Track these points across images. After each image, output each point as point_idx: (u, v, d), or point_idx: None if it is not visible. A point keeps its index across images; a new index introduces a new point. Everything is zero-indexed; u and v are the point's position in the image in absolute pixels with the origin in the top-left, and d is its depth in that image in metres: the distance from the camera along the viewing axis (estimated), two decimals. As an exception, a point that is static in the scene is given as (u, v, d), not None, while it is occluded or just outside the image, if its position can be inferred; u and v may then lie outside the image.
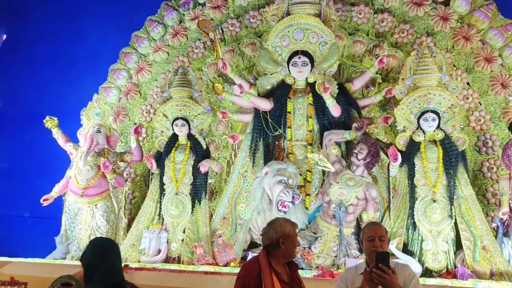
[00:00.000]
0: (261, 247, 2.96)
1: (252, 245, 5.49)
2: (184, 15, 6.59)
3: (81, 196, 5.70)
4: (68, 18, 7.45)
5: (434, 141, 4.99)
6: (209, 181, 5.82)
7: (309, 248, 5.12)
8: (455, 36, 5.76)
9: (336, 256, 5.03)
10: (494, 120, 5.68)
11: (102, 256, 2.41)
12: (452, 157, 4.89)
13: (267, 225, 2.91)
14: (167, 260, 5.41)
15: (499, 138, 5.63)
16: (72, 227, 5.83)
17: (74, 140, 6.06)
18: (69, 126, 6.19)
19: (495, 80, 5.65)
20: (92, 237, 5.58)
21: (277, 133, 5.59)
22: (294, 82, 5.60)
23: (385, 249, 2.67)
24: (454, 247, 4.90)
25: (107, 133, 5.93)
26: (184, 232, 5.49)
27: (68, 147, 5.97)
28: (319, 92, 5.30)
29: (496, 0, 5.74)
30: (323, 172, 5.43)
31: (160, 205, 5.60)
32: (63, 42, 7.51)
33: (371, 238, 2.63)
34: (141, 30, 6.75)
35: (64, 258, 5.70)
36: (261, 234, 2.92)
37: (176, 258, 5.43)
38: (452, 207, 4.86)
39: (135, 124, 6.36)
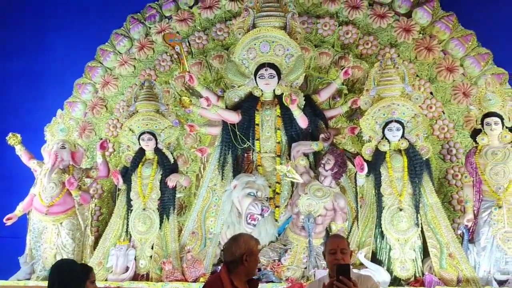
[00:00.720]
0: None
1: (222, 259, 5.43)
2: (150, 28, 6.54)
3: (46, 214, 5.54)
4: (33, 32, 7.30)
5: (399, 151, 5.06)
6: (178, 195, 5.74)
7: (279, 260, 5.09)
8: (417, 47, 5.88)
9: (305, 268, 5.02)
10: (457, 128, 5.81)
11: (56, 277, 2.47)
12: (416, 165, 4.96)
13: (230, 240, 2.85)
14: (135, 277, 5.29)
15: (463, 146, 5.76)
16: (37, 246, 5.66)
17: (38, 157, 5.92)
18: (34, 143, 6.05)
19: (457, 89, 5.79)
20: (58, 256, 5.46)
21: (245, 145, 5.58)
22: (262, 94, 5.61)
23: (347, 261, 2.68)
24: (422, 255, 4.95)
25: (72, 149, 5.80)
26: (152, 248, 5.39)
27: (32, 164, 5.82)
28: (286, 104, 5.33)
29: (456, 11, 5.90)
30: (292, 183, 5.43)
31: (127, 221, 5.50)
32: (28, 56, 7.34)
33: (333, 251, 2.64)
34: (106, 43, 6.66)
35: (29, 279, 5.52)
36: (222, 250, 2.87)
37: (145, 275, 5.32)
38: (418, 215, 4.93)
39: (101, 139, 6.25)
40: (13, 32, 7.47)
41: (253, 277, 2.84)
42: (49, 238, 5.56)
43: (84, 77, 6.68)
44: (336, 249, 2.64)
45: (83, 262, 5.35)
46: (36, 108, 6.93)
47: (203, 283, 4.66)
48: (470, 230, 4.99)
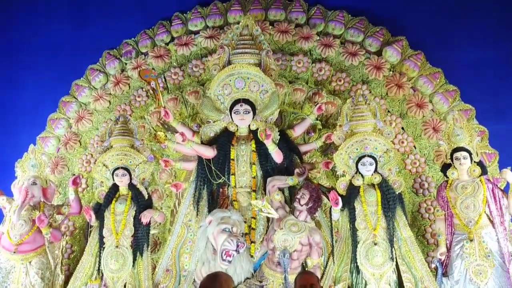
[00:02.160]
0: None
1: (197, 297, 5.32)
2: (126, 64, 6.59)
3: (14, 252, 5.36)
4: (4, 65, 7.23)
5: (373, 185, 5.13)
6: (152, 232, 5.65)
7: (255, 297, 5.03)
8: (388, 84, 6.07)
9: (281, 305, 4.96)
10: (429, 162, 5.94)
11: None
12: (390, 199, 5.03)
13: (208, 279, 2.81)
14: (107, 318, 5.14)
15: (434, 180, 5.88)
16: (3, 286, 5.44)
17: (8, 193, 5.77)
18: (3, 180, 5.92)
19: (427, 124, 5.95)
20: (26, 297, 5.26)
21: (220, 180, 5.57)
22: (237, 129, 5.66)
23: None
24: (397, 290, 4.96)
25: (44, 185, 5.68)
26: (125, 287, 5.25)
27: (0, 200, 5.66)
28: (261, 139, 5.38)
29: (423, 50, 6.13)
30: (268, 218, 5.42)
31: (100, 259, 5.36)
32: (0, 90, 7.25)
33: (303, 287, 2.64)
34: (81, 78, 6.66)
35: (-6, 322, 5.30)
36: None
37: (116, 316, 5.17)
38: (393, 249, 4.96)
39: (74, 174, 6.15)
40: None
41: None
42: (16, 278, 5.37)
43: (58, 112, 6.63)
44: (306, 285, 2.65)
45: None
46: (7, 143, 6.81)
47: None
48: (444, 264, 5.04)
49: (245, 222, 5.38)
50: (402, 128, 6.00)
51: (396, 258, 4.97)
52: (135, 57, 6.58)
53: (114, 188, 5.53)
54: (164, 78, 6.41)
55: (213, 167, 5.56)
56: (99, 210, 5.48)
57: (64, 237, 5.93)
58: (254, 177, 5.56)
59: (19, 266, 5.39)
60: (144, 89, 6.47)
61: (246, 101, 5.59)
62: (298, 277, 2.76)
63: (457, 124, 5.18)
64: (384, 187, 5.07)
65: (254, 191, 5.53)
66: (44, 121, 6.62)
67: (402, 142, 5.91)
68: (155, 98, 6.02)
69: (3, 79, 7.27)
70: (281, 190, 5.42)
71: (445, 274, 4.98)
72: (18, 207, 5.44)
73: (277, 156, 5.49)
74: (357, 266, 4.97)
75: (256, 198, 5.38)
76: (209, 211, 5.46)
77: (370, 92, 6.02)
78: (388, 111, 6.00)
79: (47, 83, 6.92)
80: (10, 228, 5.44)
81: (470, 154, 5.06)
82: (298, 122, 5.99)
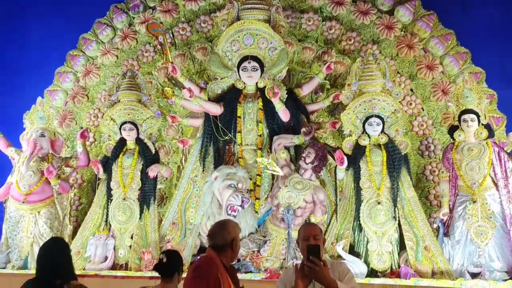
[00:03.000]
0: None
1: (202, 250, 5.44)
2: (133, 18, 6.51)
3: (23, 202, 5.48)
4: (12, 18, 7.16)
5: (379, 145, 5.14)
6: (159, 186, 5.74)
7: (258, 251, 5.14)
8: (399, 44, 5.97)
9: (284, 259, 5.06)
10: (436, 125, 5.92)
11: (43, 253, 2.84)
12: (395, 160, 5.05)
13: (216, 226, 2.87)
14: (114, 267, 5.28)
15: (441, 142, 5.87)
16: (13, 235, 5.58)
17: (17, 145, 5.83)
18: (11, 132, 5.96)
19: (436, 87, 5.89)
20: (35, 245, 5.41)
21: (227, 137, 5.59)
22: (244, 87, 5.63)
23: None
24: (398, 248, 5.04)
25: (52, 138, 5.74)
26: (132, 238, 5.37)
27: (9, 152, 5.74)
28: (268, 97, 5.37)
29: (436, 10, 6.00)
30: (273, 176, 5.47)
31: (107, 211, 5.47)
32: (5, 44, 7.20)
33: (306, 237, 2.69)
34: (89, 32, 6.61)
35: (4, 268, 5.46)
36: (208, 235, 2.88)
37: (124, 265, 5.30)
38: (396, 208, 5.02)
39: (82, 128, 6.19)
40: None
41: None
42: (26, 227, 5.50)
43: (66, 65, 6.62)
44: (309, 236, 2.68)
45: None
46: (14, 96, 6.82)
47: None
48: (446, 224, 5.09)
49: (250, 179, 5.44)
50: (411, 90, 5.94)
51: (398, 217, 5.04)
52: (142, 11, 6.49)
53: (122, 142, 5.58)
54: (172, 33, 6.33)
55: (219, 124, 5.57)
56: (107, 163, 5.56)
57: (72, 189, 6.03)
58: (260, 135, 5.58)
59: (28, 215, 5.52)
60: (151, 45, 6.41)
61: (254, 58, 5.54)
62: (301, 228, 2.80)
63: (466, 86, 5.12)
64: (390, 147, 5.08)
65: (260, 149, 5.56)
66: (51, 75, 6.62)
67: (410, 104, 5.87)
68: (162, 53, 5.98)
69: (10, 32, 7.21)
70: (287, 148, 5.46)
71: (446, 234, 5.04)
72: (26, 158, 5.51)
73: (284, 114, 5.48)
74: (360, 224, 5.05)
75: (261, 156, 5.41)
76: (215, 167, 5.51)
77: (380, 52, 5.93)
78: (398, 72, 5.93)
79: (54, 36, 6.87)
80: (19, 179, 5.54)
81: (478, 116, 5.03)
82: (306, 81, 5.95)
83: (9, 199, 5.63)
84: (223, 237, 2.77)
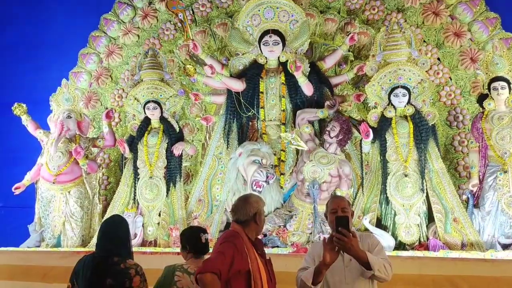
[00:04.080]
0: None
1: (228, 225, 5.46)
2: (153, -4, 6.47)
3: (53, 183, 5.61)
4: (33, 1, 7.21)
5: (405, 117, 5.03)
6: (184, 164, 5.79)
7: (284, 226, 5.15)
8: (425, 12, 5.78)
9: (311, 233, 5.07)
10: (464, 94, 5.75)
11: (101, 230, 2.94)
12: (422, 131, 4.95)
13: (240, 201, 2.86)
14: (143, 243, 5.39)
15: (469, 112, 5.71)
16: (45, 214, 5.74)
17: (44, 127, 5.95)
18: (38, 114, 6.06)
19: (464, 54, 5.70)
20: (67, 224, 5.57)
21: (250, 113, 5.57)
22: (266, 61, 5.57)
23: None
24: (426, 220, 4.98)
25: (78, 119, 5.82)
26: (159, 215, 5.46)
27: (38, 134, 5.86)
28: (291, 71, 5.30)
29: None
30: (297, 151, 5.44)
31: (135, 189, 5.56)
32: (28, 27, 7.25)
33: (334, 210, 2.67)
34: (110, 12, 6.60)
35: (39, 246, 5.64)
36: (231, 210, 2.89)
37: (153, 242, 5.41)
38: (424, 180, 4.94)
39: (107, 109, 6.26)
40: (13, 2, 7.37)
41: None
42: (57, 207, 5.65)
43: (89, 47, 6.65)
44: (337, 209, 2.67)
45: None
46: (39, 78, 6.90)
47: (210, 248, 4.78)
48: (475, 195, 5.00)
49: (274, 154, 5.42)
50: (438, 59, 5.77)
51: (426, 189, 4.96)
52: (162, -12, 6.42)
53: (146, 121, 5.62)
54: (192, 10, 6.28)
55: (242, 100, 5.54)
56: (133, 142, 5.62)
57: (100, 169, 6.13)
58: (283, 110, 5.54)
59: (59, 195, 5.65)
60: (172, 23, 6.38)
61: (276, 32, 5.46)
62: (329, 201, 2.78)
63: (496, 52, 4.94)
64: (417, 118, 4.97)
65: (284, 124, 5.52)
66: (74, 57, 6.66)
67: (438, 73, 5.70)
68: (183, 31, 5.95)
69: (32, 15, 7.27)
70: (311, 122, 5.40)
71: (476, 206, 4.95)
72: (54, 140, 5.62)
73: (307, 88, 5.41)
74: (387, 197, 4.99)
75: (285, 131, 5.38)
76: (239, 144, 5.52)
77: (406, 21, 5.75)
78: (424, 41, 5.75)
79: (74, 17, 6.89)
80: (48, 160, 5.65)
81: (509, 84, 4.86)
82: (329, 54, 5.83)
83: (40, 179, 5.77)
84: (244, 212, 2.77)
